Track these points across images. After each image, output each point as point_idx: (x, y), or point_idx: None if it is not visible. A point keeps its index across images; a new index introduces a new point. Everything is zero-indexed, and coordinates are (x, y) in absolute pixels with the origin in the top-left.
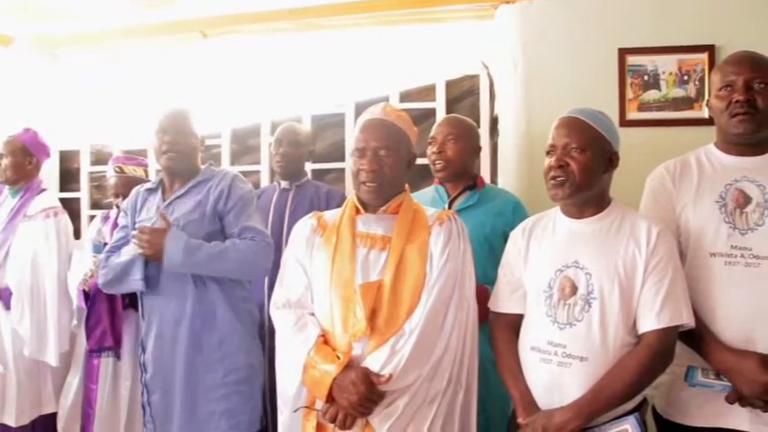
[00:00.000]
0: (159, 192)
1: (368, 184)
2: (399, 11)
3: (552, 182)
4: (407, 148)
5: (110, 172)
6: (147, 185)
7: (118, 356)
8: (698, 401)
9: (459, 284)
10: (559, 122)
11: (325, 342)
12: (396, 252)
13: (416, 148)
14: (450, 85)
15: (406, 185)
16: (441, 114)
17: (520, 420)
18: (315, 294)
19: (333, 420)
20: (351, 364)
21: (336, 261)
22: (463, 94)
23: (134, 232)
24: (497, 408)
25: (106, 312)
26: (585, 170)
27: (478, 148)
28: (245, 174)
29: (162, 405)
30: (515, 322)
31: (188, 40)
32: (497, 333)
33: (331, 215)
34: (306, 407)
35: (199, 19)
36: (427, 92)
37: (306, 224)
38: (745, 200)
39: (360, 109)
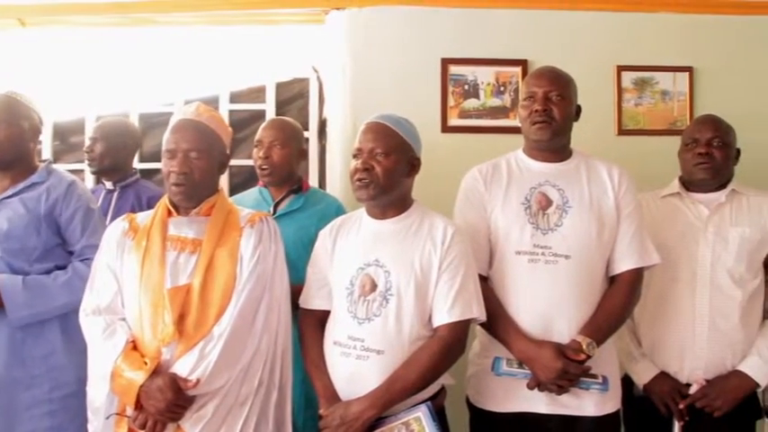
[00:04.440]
0: None
1: (178, 186)
2: (232, 11)
3: (358, 183)
4: (220, 150)
5: None
6: None
7: None
8: (503, 389)
9: (269, 286)
10: (366, 127)
11: (135, 348)
12: (206, 255)
13: (245, 150)
14: (280, 87)
15: (221, 187)
16: (271, 116)
17: (321, 411)
18: (125, 299)
19: (143, 427)
20: (158, 370)
21: (146, 265)
22: (293, 96)
23: None
24: None
25: None
26: (389, 174)
27: (304, 151)
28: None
29: None
30: (322, 318)
31: (4, 27)
32: (304, 329)
33: (143, 217)
34: (117, 414)
35: (16, 5)
36: (257, 93)
37: (117, 227)
38: (547, 202)
39: None
